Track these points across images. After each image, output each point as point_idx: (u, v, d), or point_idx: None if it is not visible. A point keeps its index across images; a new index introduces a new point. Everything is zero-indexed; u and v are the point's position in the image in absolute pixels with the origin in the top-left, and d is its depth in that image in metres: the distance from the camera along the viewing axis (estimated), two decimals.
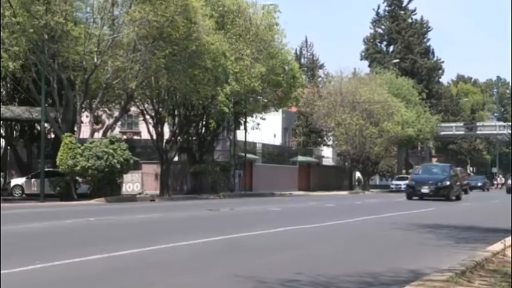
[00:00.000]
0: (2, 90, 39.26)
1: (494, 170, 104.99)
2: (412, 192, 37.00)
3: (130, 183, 37.07)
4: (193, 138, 44.70)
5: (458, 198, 37.72)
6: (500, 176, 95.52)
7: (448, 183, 36.52)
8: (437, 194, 36.03)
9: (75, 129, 33.68)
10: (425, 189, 36.15)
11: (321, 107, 60.60)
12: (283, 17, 65.21)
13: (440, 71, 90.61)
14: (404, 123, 63.42)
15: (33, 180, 37.44)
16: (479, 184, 75.36)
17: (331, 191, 54.08)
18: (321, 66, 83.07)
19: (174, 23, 32.39)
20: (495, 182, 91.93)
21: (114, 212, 20.75)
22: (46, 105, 33.71)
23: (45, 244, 11.13)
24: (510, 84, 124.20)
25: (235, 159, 47.85)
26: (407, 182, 40.60)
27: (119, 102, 38.05)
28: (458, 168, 58.48)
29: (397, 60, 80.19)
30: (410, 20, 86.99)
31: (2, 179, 40.29)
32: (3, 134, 42.20)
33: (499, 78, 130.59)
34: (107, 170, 31.63)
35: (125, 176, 34.74)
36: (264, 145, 59.47)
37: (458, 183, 39.07)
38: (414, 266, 8.88)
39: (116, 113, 38.90)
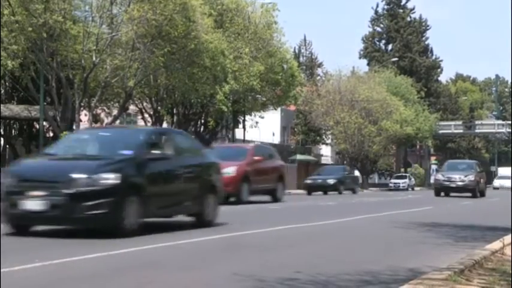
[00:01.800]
0: (0, 88, 39.25)
1: (493, 168, 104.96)
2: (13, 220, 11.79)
3: None
4: (192, 137, 44.72)
5: (205, 221, 14.27)
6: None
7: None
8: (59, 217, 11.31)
9: (74, 127, 33.66)
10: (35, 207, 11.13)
11: (319, 105, 60.64)
12: (281, 16, 65.77)
13: (439, 70, 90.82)
14: (403, 122, 63.49)
15: None
16: (330, 182, 44.47)
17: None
18: (320, 65, 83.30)
19: (172, 21, 32.42)
20: None
21: None
22: (45, 103, 33.70)
23: (44, 242, 11.11)
24: (509, 82, 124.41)
25: None
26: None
27: (118, 101, 38.07)
28: (248, 145, 29.25)
29: (396, 59, 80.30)
30: (408, 19, 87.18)
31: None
32: (2, 133, 42.17)
33: (497, 76, 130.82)
34: None
35: None
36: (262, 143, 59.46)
37: (197, 182, 14.23)
38: (413, 265, 8.87)
39: (115, 112, 38.93)
